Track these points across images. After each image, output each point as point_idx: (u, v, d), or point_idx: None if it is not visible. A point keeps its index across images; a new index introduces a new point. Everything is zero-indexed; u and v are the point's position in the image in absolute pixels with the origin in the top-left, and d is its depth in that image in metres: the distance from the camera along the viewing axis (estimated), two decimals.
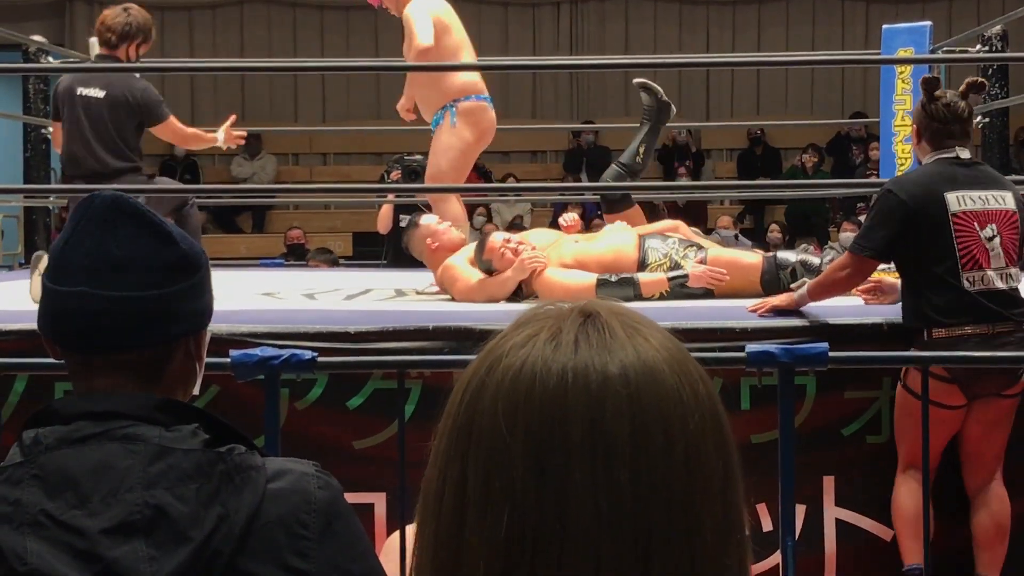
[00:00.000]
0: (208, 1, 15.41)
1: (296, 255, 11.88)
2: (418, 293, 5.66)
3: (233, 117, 6.39)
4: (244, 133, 6.42)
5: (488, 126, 5.97)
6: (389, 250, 8.85)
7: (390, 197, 8.58)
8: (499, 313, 4.52)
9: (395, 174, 8.50)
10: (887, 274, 4.53)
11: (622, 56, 14.46)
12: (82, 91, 5.68)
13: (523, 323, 1.02)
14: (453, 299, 5.26)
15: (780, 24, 15.44)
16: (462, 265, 5.31)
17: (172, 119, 5.85)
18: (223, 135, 6.12)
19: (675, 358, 0.98)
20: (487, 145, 6.12)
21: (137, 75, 5.82)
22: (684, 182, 13.31)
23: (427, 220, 5.58)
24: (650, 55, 14.54)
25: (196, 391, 1.68)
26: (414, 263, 7.92)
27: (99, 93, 5.67)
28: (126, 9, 5.88)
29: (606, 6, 15.54)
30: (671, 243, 5.33)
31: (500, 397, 0.97)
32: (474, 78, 5.94)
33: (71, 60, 8.06)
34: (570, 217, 5.83)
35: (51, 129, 6.45)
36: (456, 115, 5.85)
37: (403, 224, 8.47)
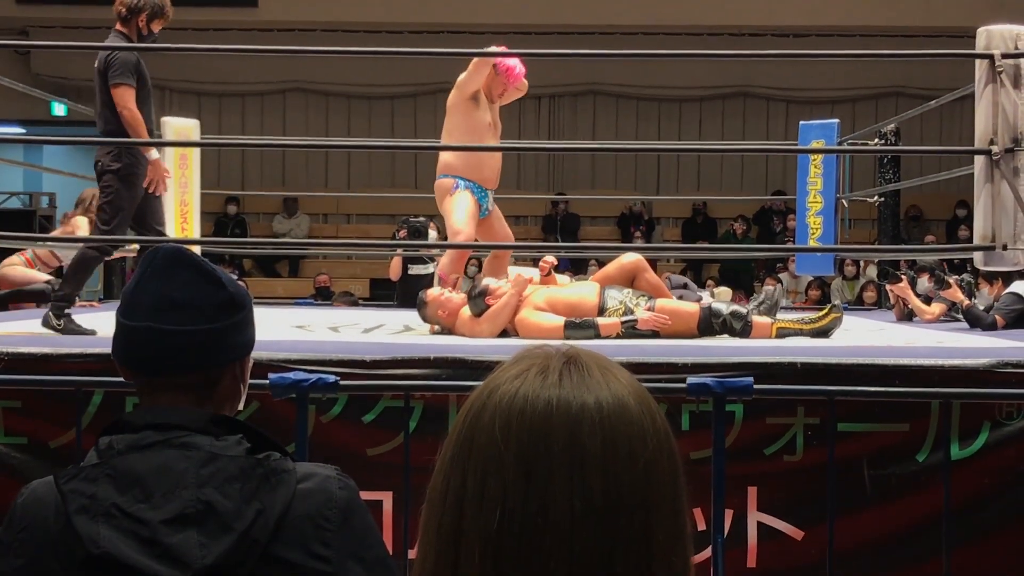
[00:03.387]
0: (257, 90, 15.43)
1: (323, 296, 11.85)
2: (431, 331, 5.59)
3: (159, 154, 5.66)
4: (168, 172, 5.76)
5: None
6: (399, 293, 8.86)
7: (399, 251, 8.62)
8: (487, 347, 4.51)
9: (402, 232, 8.53)
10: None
11: (590, 141, 14.59)
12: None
13: (518, 359, 1.03)
14: (471, 337, 5.21)
15: (717, 117, 15.51)
16: (470, 316, 5.32)
17: (125, 89, 5.15)
18: (156, 154, 5.47)
19: (639, 394, 1.00)
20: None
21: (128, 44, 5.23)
22: (638, 244, 13.34)
23: (432, 295, 5.50)
24: (613, 140, 14.63)
25: (241, 407, 1.67)
26: (413, 305, 7.96)
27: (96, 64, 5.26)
28: None
29: (578, 100, 15.61)
30: (626, 293, 5.34)
31: (497, 416, 0.98)
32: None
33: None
34: (549, 259, 5.82)
35: None
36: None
37: (411, 271, 8.54)
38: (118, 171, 5.23)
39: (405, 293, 8.59)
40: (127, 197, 5.25)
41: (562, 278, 5.86)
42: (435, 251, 8.60)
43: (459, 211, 5.62)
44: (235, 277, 1.73)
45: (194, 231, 7.60)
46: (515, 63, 5.77)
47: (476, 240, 5.75)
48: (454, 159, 5.75)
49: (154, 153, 5.35)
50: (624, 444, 0.97)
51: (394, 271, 8.70)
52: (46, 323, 5.07)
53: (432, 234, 8.66)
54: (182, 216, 7.51)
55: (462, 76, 5.71)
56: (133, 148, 5.22)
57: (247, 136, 13.94)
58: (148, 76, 5.36)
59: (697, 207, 14.99)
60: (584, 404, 0.97)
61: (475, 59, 5.71)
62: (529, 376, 0.99)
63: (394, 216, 13.95)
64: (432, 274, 8.74)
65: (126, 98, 5.14)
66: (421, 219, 8.38)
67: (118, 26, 5.30)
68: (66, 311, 5.10)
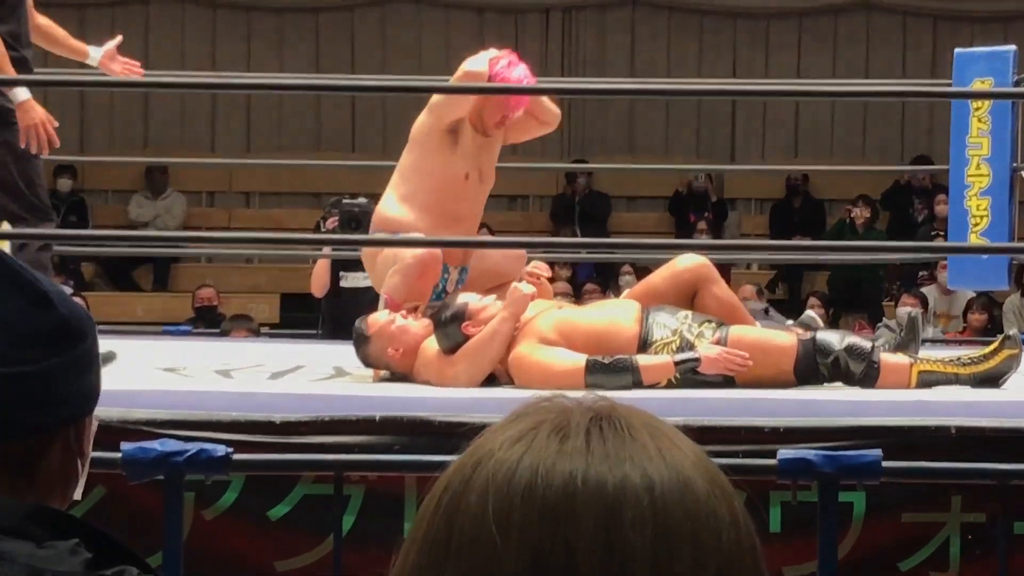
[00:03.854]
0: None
1: (207, 320, 11.86)
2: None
3: (119, 38, 6.01)
4: (137, 64, 6.00)
5: None
6: (325, 316, 8.86)
7: (326, 251, 8.62)
8: (465, 401, 4.52)
9: (331, 221, 8.50)
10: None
11: (626, 80, 14.58)
12: None
13: (519, 415, 1.03)
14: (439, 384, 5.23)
15: (826, 45, 15.55)
16: (437, 353, 5.31)
17: None
18: (102, 54, 5.74)
19: (707, 470, 1.01)
20: None
21: None
22: (702, 240, 13.37)
23: (377, 324, 5.46)
24: (662, 79, 14.65)
25: (78, 495, 1.66)
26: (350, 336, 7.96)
27: None
28: None
29: (607, 14, 15.64)
30: (683, 317, 5.34)
31: (491, 497, 0.98)
32: None
33: None
34: (535, 267, 5.79)
35: None
36: None
37: (343, 283, 8.55)
38: None
39: (335, 317, 8.59)
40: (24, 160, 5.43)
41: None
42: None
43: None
44: (69, 291, 1.73)
45: None
46: (521, 74, 5.72)
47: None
48: (401, 220, 5.70)
49: (23, 93, 5.44)
50: (687, 541, 0.97)
51: (318, 282, 8.71)
52: None
53: None
54: None
55: (435, 97, 5.73)
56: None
57: (87, 71, 13.95)
58: None
59: (794, 183, 15.02)
60: (626, 481, 0.97)
61: (460, 73, 5.69)
62: (538, 438, 1.00)
63: (319, 197, 13.99)
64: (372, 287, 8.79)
65: None
66: (361, 201, 8.38)
67: None
68: None
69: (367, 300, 8.68)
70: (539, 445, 0.99)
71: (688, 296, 5.54)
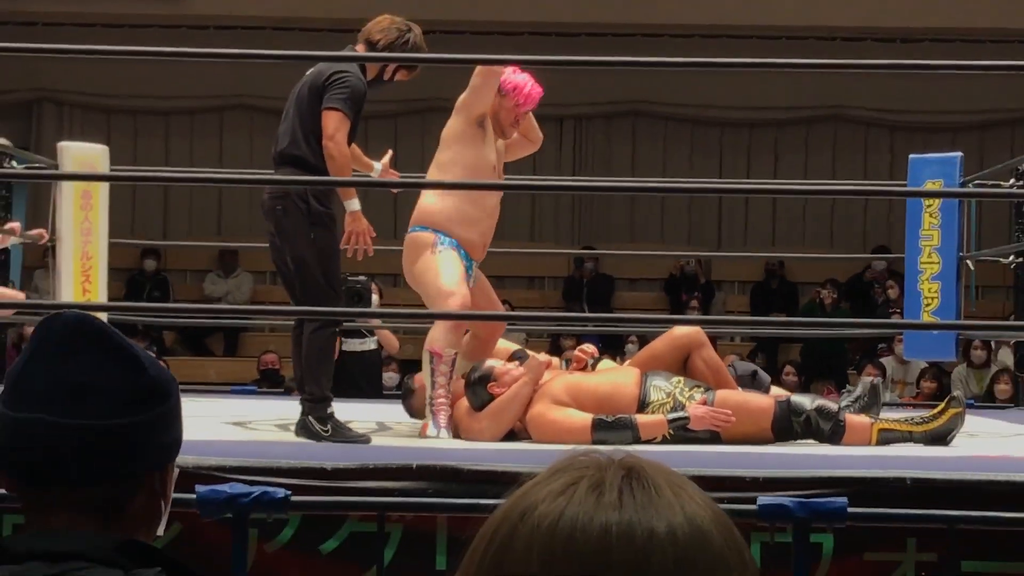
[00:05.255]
0: (185, 106, 15.51)
1: (270, 381, 11.84)
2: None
3: (391, 152, 6.09)
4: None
5: None
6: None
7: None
8: (488, 453, 4.51)
9: None
10: None
11: (628, 179, 14.61)
12: None
13: (559, 470, 1.03)
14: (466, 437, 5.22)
15: (799, 150, 15.56)
16: (468, 409, 5.31)
17: (342, 118, 5.39)
18: (380, 168, 5.83)
19: (721, 521, 1.01)
20: None
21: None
22: (693, 316, 13.33)
23: (419, 379, 5.54)
24: (659, 178, 14.63)
25: (161, 531, 1.66)
26: (356, 394, 7.99)
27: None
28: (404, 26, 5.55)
29: (612, 124, 15.67)
30: (676, 382, 5.34)
31: (535, 546, 0.98)
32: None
33: (37, 164, 8.12)
34: (588, 349, 5.81)
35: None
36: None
37: (346, 347, 8.54)
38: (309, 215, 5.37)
39: (338, 378, 8.61)
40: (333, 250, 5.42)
41: (605, 363, 5.85)
42: (375, 322, 8.63)
43: (446, 269, 5.56)
44: (153, 355, 1.73)
45: (99, 293, 7.62)
46: (526, 79, 5.73)
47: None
48: (440, 208, 5.65)
49: (355, 204, 5.44)
50: None
51: None
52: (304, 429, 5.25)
53: (374, 298, 8.66)
54: (84, 273, 7.53)
55: (463, 96, 5.71)
56: (332, 191, 5.40)
57: (172, 168, 14.02)
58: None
59: (771, 268, 15.00)
60: (653, 532, 0.98)
61: (478, 69, 5.68)
62: (579, 493, 0.99)
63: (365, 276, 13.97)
64: (374, 351, 8.77)
65: (341, 129, 5.33)
66: (361, 278, 8.41)
67: (359, 47, 5.60)
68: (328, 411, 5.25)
69: (366, 363, 8.73)
70: (578, 500, 0.99)
71: (682, 360, 5.54)
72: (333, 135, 5.32)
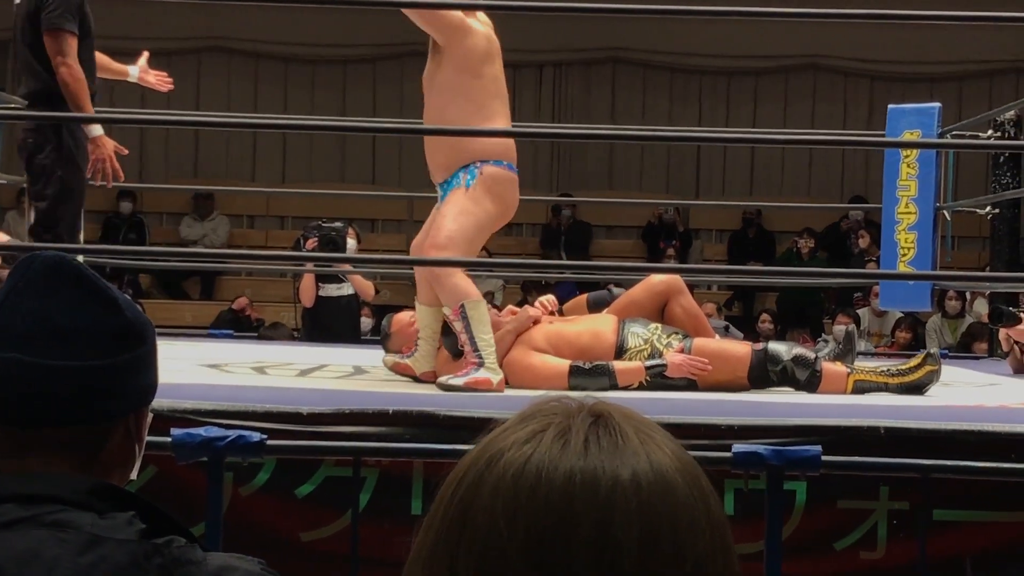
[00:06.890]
0: (162, 47, 15.40)
1: (237, 325, 11.68)
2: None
3: (147, 53, 5.98)
4: (166, 75, 5.96)
5: (512, 203, 5.31)
6: (306, 323, 8.82)
7: (309, 266, 8.61)
8: (465, 400, 4.51)
9: (311, 242, 8.27)
10: None
11: (607, 126, 14.59)
12: None
13: (527, 417, 1.02)
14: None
15: (778, 100, 15.57)
16: (448, 357, 5.30)
17: (68, 37, 5.22)
18: (139, 71, 5.69)
19: (688, 470, 1.01)
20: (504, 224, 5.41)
21: None
22: (670, 264, 13.35)
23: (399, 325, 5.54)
24: (637, 126, 14.62)
25: (134, 475, 1.66)
26: (330, 338, 7.97)
27: None
28: None
29: (591, 71, 15.65)
30: (654, 328, 5.34)
31: (500, 494, 0.97)
32: (506, 140, 5.35)
33: (13, 105, 8.05)
34: (546, 300, 5.77)
35: None
36: (477, 179, 5.20)
37: (322, 292, 8.54)
38: (60, 149, 5.25)
39: (315, 323, 8.62)
40: (77, 184, 5.28)
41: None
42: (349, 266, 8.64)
43: (481, 231, 5.21)
44: (129, 297, 1.72)
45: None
46: None
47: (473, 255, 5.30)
48: (487, 120, 5.31)
49: (97, 129, 5.36)
50: (668, 536, 0.97)
51: (307, 294, 8.67)
52: None
53: (351, 243, 8.61)
54: None
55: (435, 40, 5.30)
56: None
57: (147, 110, 13.95)
58: (92, 21, 5.39)
59: (749, 216, 15.02)
60: (617, 480, 0.97)
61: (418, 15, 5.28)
62: (544, 440, 0.99)
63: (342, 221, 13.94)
64: (349, 296, 8.76)
65: (68, 48, 5.17)
66: (337, 224, 8.32)
67: None
68: None
69: (341, 308, 8.72)
70: (544, 447, 0.98)
71: (660, 307, 5.55)
72: (63, 59, 5.17)
